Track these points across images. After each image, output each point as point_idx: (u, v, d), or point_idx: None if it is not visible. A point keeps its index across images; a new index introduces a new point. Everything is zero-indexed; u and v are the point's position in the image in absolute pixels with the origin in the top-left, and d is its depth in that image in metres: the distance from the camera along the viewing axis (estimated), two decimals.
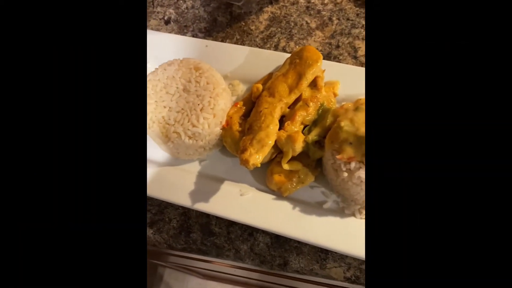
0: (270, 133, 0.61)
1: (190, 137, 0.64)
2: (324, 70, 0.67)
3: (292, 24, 0.84)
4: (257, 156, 0.59)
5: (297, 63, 0.65)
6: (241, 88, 0.75)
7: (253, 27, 0.85)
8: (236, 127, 0.66)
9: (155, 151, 0.73)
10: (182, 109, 0.64)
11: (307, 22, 0.83)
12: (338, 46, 0.80)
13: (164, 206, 0.72)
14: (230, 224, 0.69)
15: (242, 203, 0.65)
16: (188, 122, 0.63)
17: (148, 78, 0.68)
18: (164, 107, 0.65)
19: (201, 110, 0.64)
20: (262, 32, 0.84)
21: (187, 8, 0.90)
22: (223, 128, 0.67)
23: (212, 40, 0.84)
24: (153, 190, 0.68)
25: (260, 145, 0.60)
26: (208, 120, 0.64)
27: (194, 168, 0.71)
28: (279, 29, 0.84)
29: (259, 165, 0.59)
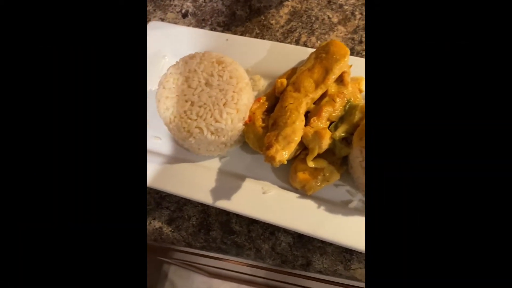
0: (297, 129, 0.59)
1: (212, 133, 0.62)
2: (351, 66, 0.65)
3: (314, 18, 0.82)
4: (283, 153, 0.57)
5: (324, 58, 0.64)
6: (262, 83, 0.73)
7: (273, 22, 0.83)
8: (259, 122, 0.65)
9: (174, 147, 0.71)
10: (205, 103, 0.62)
11: (329, 17, 0.81)
12: (361, 42, 0.78)
13: (183, 203, 0.70)
14: (251, 223, 0.67)
15: (264, 201, 0.64)
16: (211, 117, 0.62)
17: (169, 71, 0.66)
18: (186, 101, 0.63)
19: (224, 105, 0.62)
20: (282, 26, 0.82)
21: (205, 1, 0.88)
22: (245, 124, 0.65)
23: (231, 34, 0.82)
24: (172, 186, 0.66)
25: (286, 141, 0.58)
26: (232, 115, 0.62)
27: (214, 164, 0.69)
28: (300, 24, 0.82)
29: (285, 162, 0.57)
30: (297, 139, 0.59)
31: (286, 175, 0.66)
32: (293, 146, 0.58)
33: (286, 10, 0.84)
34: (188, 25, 0.86)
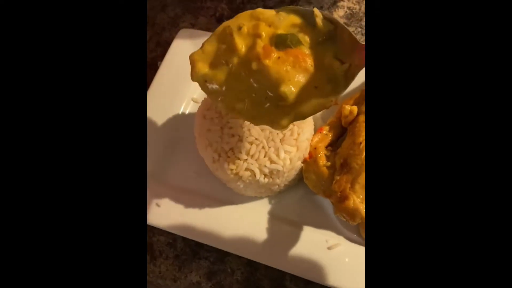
0: None
1: (266, 175, 0.50)
2: None
3: None
4: (364, 207, 0.44)
5: None
6: None
7: None
8: (322, 160, 0.52)
9: (213, 184, 0.58)
10: (257, 139, 0.49)
11: None
12: None
13: (225, 252, 0.58)
14: (310, 281, 0.55)
15: (329, 259, 0.51)
16: (265, 157, 0.49)
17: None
18: (233, 135, 0.50)
19: (281, 141, 0.49)
20: None
21: (242, 2, 0.75)
22: (305, 162, 0.52)
23: None
24: (210, 238, 0.54)
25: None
26: (291, 154, 0.50)
27: (263, 207, 0.57)
28: (360, 29, 0.68)
29: None
30: None
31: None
32: None
33: (341, 12, 0.70)
34: None
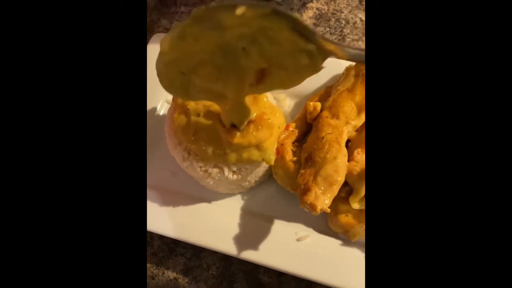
0: (339, 166, 0.48)
1: (234, 172, 0.52)
2: None
3: (343, 22, 0.70)
4: (325, 198, 0.46)
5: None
6: (288, 104, 0.62)
7: None
8: (289, 156, 0.54)
9: (188, 182, 0.60)
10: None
11: (361, 19, 0.69)
12: None
13: (201, 249, 0.60)
14: (282, 273, 0.57)
15: (299, 250, 0.53)
16: None
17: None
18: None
19: None
20: None
21: None
22: None
23: None
24: (186, 233, 0.56)
25: (327, 183, 0.47)
26: None
27: (235, 203, 0.58)
28: (328, 29, 0.70)
29: (328, 210, 0.46)
30: (341, 179, 0.48)
31: (324, 216, 0.55)
32: (336, 189, 0.47)
33: (310, 13, 0.72)
34: None
